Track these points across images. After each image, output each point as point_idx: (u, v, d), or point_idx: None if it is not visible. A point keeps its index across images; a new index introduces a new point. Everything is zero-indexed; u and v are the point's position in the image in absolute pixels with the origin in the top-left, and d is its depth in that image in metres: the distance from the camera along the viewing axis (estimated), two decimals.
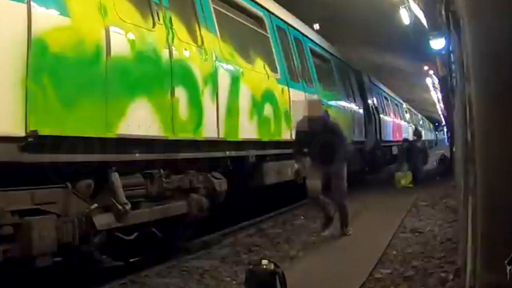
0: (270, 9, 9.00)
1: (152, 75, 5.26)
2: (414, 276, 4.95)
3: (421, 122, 44.88)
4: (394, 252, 6.01)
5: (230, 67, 6.92)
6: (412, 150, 16.11)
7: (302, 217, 9.16)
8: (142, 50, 5.11)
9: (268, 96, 8.00)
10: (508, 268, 2.31)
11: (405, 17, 13.52)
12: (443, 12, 5.50)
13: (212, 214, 6.49)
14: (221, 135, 6.49)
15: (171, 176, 5.74)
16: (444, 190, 11.05)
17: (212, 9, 6.83)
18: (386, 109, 21.75)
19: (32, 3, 3.92)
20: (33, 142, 3.85)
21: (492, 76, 2.41)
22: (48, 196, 4.20)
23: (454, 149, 10.59)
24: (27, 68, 3.83)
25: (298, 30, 10.62)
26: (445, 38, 8.27)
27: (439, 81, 22.95)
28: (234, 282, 5.23)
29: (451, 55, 5.97)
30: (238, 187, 7.32)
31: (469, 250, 2.92)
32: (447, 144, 24.19)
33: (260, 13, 8.56)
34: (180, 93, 5.64)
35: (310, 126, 7.20)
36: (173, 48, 5.59)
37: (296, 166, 7.45)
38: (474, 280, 2.65)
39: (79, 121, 4.26)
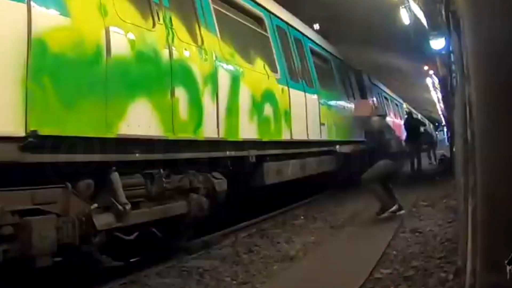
0: (270, 9, 9.00)
1: (152, 75, 5.26)
2: (414, 276, 4.95)
3: None
4: (394, 252, 6.00)
5: (230, 67, 6.92)
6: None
7: (302, 217, 9.17)
8: (142, 50, 5.11)
9: (268, 96, 8.00)
10: (508, 268, 2.31)
11: (405, 17, 13.51)
12: (443, 12, 5.51)
13: (212, 214, 6.48)
14: (221, 135, 6.49)
15: (171, 176, 5.74)
16: (444, 190, 11.03)
17: (212, 9, 6.83)
18: (386, 109, 21.73)
19: (32, 3, 3.92)
20: (33, 142, 3.85)
21: (492, 76, 2.41)
22: (48, 196, 4.20)
23: (454, 149, 10.57)
24: (27, 68, 3.83)
25: (298, 30, 10.62)
26: (445, 38, 8.28)
27: (439, 81, 22.94)
28: (234, 282, 5.23)
29: (451, 55, 5.97)
30: (238, 187, 7.32)
31: (469, 250, 2.92)
32: (447, 144, 24.17)
33: (260, 13, 8.57)
34: (180, 93, 5.64)
35: None
36: (173, 48, 5.59)
37: None
38: (474, 280, 2.65)
39: (79, 121, 4.26)
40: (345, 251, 6.41)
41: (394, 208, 8.33)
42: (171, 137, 5.46)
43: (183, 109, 5.70)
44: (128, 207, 4.89)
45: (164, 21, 5.58)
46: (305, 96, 9.82)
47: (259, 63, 8.04)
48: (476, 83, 2.54)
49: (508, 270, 2.30)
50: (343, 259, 5.92)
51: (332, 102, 12.12)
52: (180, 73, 5.70)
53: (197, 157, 6.10)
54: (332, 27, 15.51)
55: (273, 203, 9.78)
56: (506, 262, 2.30)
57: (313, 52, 11.48)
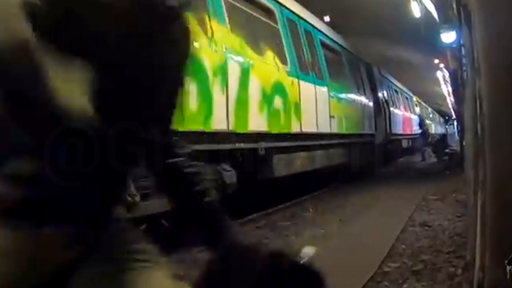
0: (281, 1, 8.98)
1: None
2: (423, 270, 4.94)
3: (431, 116, 44.66)
4: (403, 245, 5.99)
5: (240, 58, 6.91)
6: None
7: (311, 210, 9.17)
8: None
9: (278, 88, 7.99)
10: (508, 268, 2.30)
11: (415, 10, 13.46)
12: (454, 6, 5.47)
13: (221, 206, 6.48)
14: (231, 127, 6.49)
15: None
16: (454, 184, 10.99)
17: (222, 1, 6.82)
18: (396, 102, 21.67)
19: None
20: None
21: (502, 70, 2.40)
22: None
23: (464, 143, 10.53)
24: None
25: (308, 22, 10.59)
26: (456, 32, 8.23)
27: (449, 75, 22.83)
28: None
29: (462, 48, 5.93)
30: (247, 179, 7.32)
31: (478, 245, 2.91)
32: (457, 137, 24.09)
33: (270, 5, 8.55)
34: (190, 84, 5.63)
35: None
36: None
37: None
38: (483, 275, 2.65)
39: None
40: (354, 244, 6.40)
41: None
42: (180, 128, 5.45)
43: (193, 100, 5.70)
44: (137, 198, 4.90)
45: None
46: (315, 88, 9.80)
47: (269, 55, 8.02)
48: (487, 77, 2.53)
49: (508, 270, 2.29)
50: (352, 252, 5.91)
51: (342, 95, 12.09)
52: (190, 65, 5.69)
53: (206, 149, 6.10)
54: (342, 19, 15.46)
55: (282, 196, 9.78)
56: (506, 262, 2.30)
57: (323, 44, 11.45)
